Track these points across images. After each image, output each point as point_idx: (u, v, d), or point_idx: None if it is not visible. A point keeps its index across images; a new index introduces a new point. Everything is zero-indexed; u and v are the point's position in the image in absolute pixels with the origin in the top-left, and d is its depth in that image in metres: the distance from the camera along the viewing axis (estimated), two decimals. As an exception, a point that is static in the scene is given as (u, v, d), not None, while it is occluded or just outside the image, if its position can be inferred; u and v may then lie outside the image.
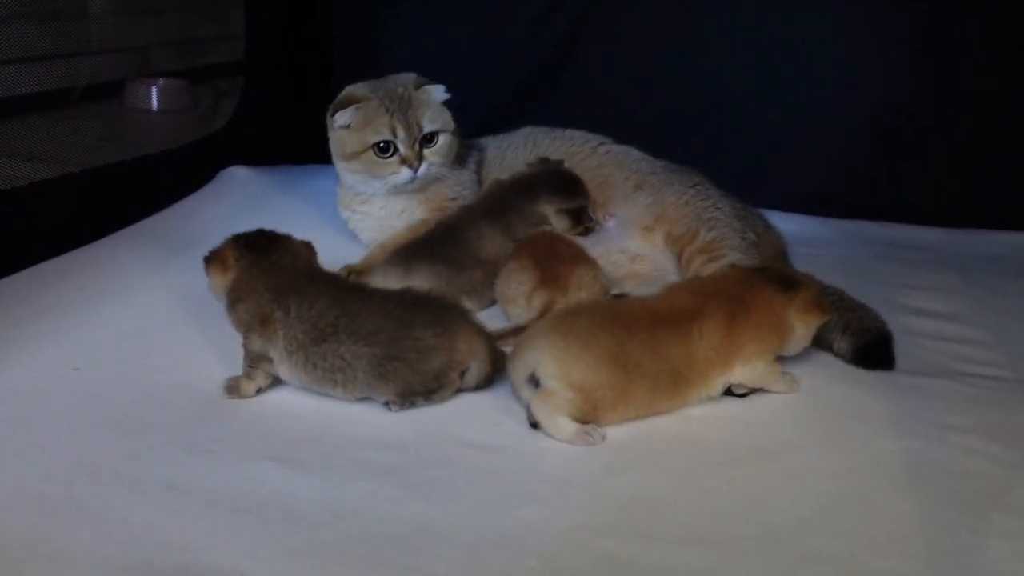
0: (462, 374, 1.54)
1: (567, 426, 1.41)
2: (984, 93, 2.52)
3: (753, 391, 1.57)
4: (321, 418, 1.48)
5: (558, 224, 1.95)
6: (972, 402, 1.59)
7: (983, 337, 1.86)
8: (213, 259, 1.59)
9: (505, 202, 1.96)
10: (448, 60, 2.74)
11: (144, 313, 1.79)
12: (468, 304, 1.88)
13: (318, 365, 1.49)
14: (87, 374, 1.57)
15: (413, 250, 1.90)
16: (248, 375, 1.54)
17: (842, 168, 2.59)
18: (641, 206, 2.05)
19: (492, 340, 1.59)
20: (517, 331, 1.75)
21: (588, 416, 1.43)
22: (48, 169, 2.20)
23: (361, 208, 2.16)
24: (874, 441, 1.45)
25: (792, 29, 2.58)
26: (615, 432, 1.45)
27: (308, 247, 1.65)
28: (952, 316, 1.94)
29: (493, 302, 1.92)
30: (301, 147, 2.56)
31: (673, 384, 1.47)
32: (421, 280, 1.83)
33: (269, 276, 1.55)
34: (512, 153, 2.21)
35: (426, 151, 2.04)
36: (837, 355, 1.74)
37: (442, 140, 2.06)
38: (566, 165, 2.06)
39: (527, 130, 2.25)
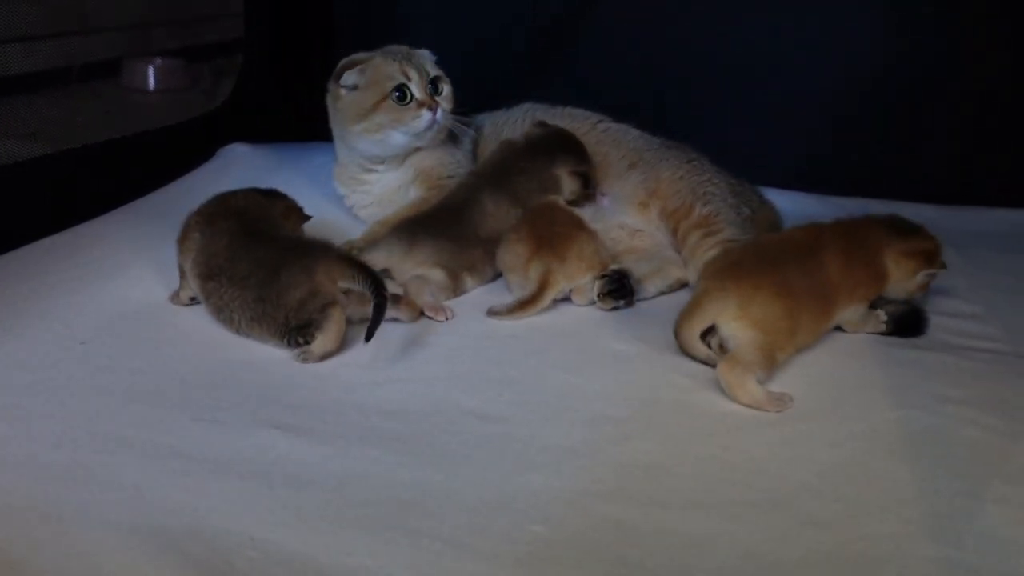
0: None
1: (756, 390, 1.46)
2: (982, 72, 2.53)
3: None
4: (327, 387, 1.49)
5: (570, 186, 1.95)
6: (969, 374, 1.60)
7: (979, 311, 1.87)
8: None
9: (516, 166, 1.96)
10: (447, 35, 2.72)
11: (147, 289, 1.80)
12: (470, 280, 1.90)
13: (208, 300, 1.62)
14: (93, 347, 1.58)
15: (417, 225, 1.89)
16: (182, 285, 1.71)
17: (838, 145, 2.59)
18: (635, 183, 2.05)
19: (365, 266, 1.59)
20: (523, 304, 1.76)
21: (771, 363, 1.50)
22: (48, 148, 2.20)
23: (359, 186, 2.16)
24: (872, 410, 1.47)
25: (791, 5, 2.58)
26: (616, 403, 1.47)
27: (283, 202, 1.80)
28: (948, 291, 1.95)
29: (499, 275, 1.92)
30: (302, 124, 2.55)
31: (826, 304, 1.60)
32: (425, 255, 1.83)
33: (211, 206, 1.73)
34: (510, 129, 2.20)
35: (437, 98, 2.06)
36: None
37: (447, 89, 2.09)
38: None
39: (526, 106, 2.25)
